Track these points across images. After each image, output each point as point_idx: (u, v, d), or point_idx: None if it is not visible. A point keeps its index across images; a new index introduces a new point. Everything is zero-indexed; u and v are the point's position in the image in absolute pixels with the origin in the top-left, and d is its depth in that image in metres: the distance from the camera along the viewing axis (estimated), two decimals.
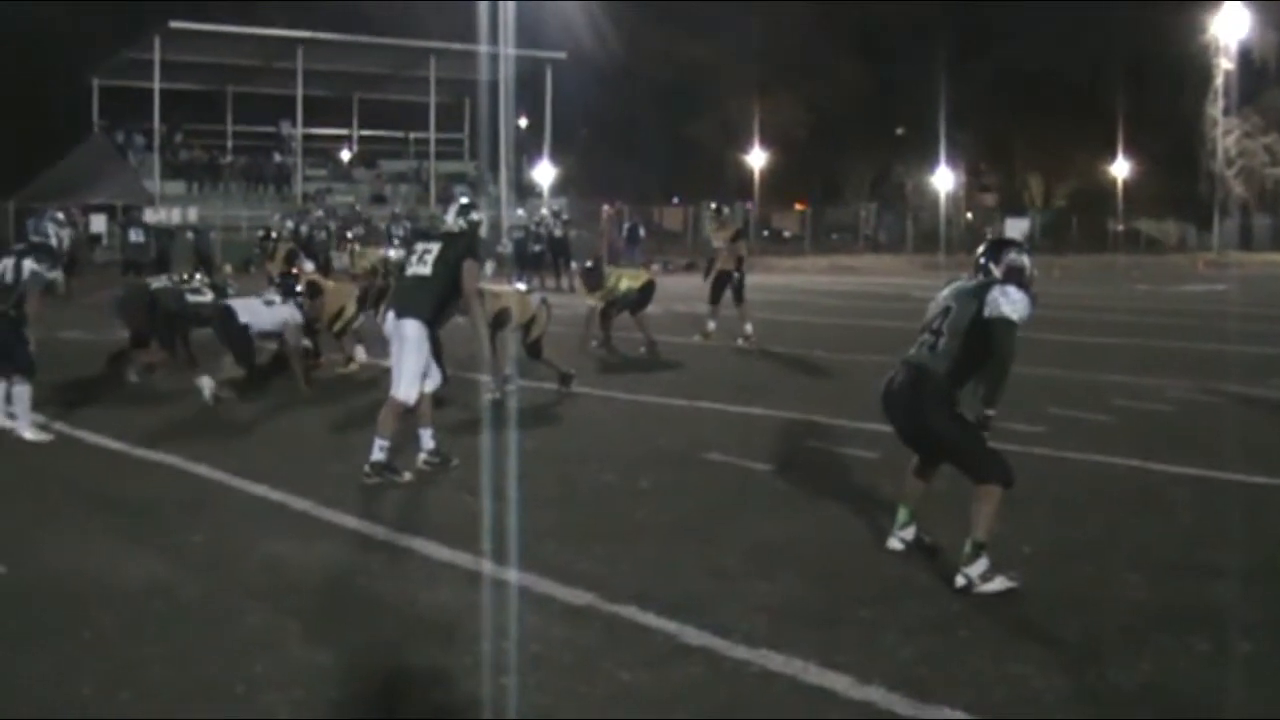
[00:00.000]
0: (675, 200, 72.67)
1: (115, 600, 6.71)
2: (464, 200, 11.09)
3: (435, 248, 10.06)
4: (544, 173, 57.20)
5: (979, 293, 7.17)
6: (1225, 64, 63.07)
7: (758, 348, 19.04)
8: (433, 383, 10.02)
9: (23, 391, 11.30)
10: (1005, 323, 7.01)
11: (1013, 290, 7.10)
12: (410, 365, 9.74)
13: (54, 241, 11.58)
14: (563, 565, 7.26)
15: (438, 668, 5.78)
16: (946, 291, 7.43)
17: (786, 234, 68.75)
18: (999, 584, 6.81)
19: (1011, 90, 68.34)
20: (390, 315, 10.01)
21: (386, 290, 15.96)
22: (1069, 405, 12.92)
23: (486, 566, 7.26)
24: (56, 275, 11.60)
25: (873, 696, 5.44)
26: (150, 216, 40.89)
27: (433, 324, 9.93)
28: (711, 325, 20.14)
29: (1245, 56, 64.20)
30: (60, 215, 12.50)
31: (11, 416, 11.45)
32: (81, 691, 5.51)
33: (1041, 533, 7.98)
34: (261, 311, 14.18)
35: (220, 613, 6.54)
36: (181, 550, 7.76)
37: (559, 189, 56.97)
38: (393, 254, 21.52)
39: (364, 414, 11.91)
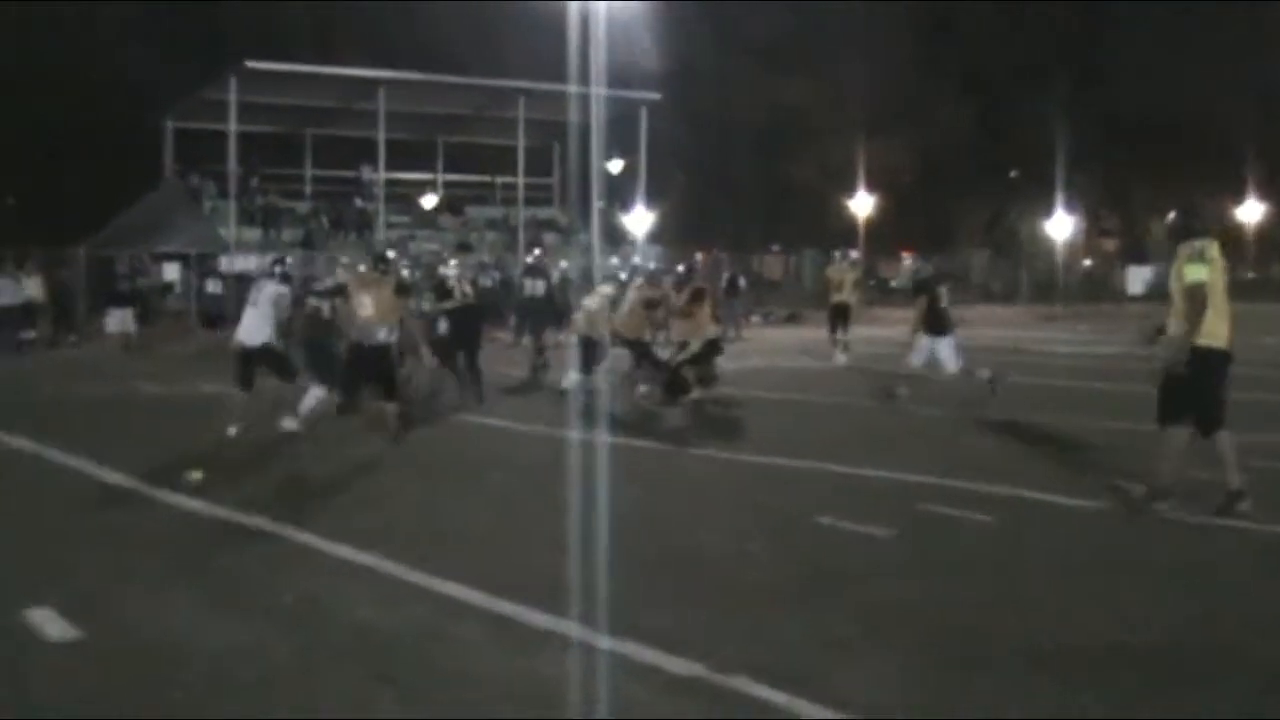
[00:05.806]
0: (775, 248, 72.56)
1: (200, 662, 6.82)
2: None
3: None
4: (638, 220, 57.15)
5: None
6: None
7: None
8: None
9: None
10: None
11: None
12: None
13: None
14: (668, 633, 7.24)
15: None
16: None
17: (894, 283, 68.26)
18: None
19: (1130, 130, 67.51)
20: None
21: None
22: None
23: (587, 634, 7.25)
24: None
25: None
26: (225, 265, 41.44)
27: None
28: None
29: None
30: None
31: None
32: None
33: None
34: None
35: (311, 676, 6.61)
36: (270, 611, 7.87)
37: (654, 236, 56.84)
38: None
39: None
